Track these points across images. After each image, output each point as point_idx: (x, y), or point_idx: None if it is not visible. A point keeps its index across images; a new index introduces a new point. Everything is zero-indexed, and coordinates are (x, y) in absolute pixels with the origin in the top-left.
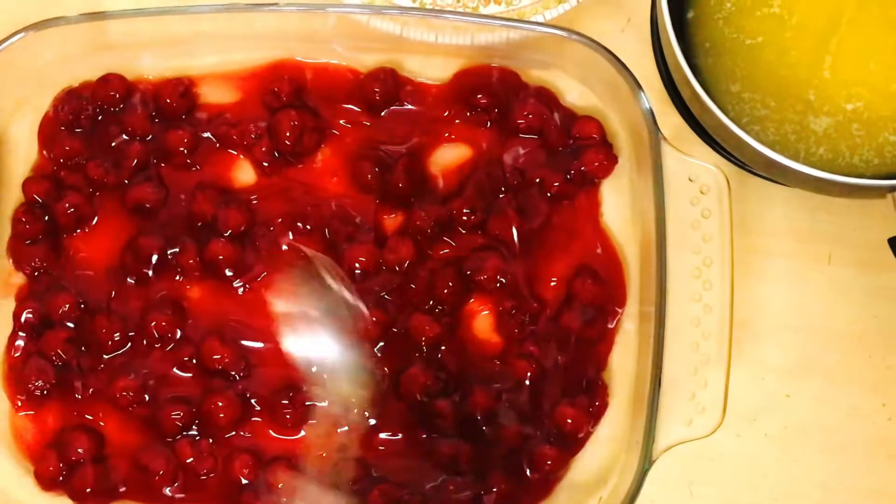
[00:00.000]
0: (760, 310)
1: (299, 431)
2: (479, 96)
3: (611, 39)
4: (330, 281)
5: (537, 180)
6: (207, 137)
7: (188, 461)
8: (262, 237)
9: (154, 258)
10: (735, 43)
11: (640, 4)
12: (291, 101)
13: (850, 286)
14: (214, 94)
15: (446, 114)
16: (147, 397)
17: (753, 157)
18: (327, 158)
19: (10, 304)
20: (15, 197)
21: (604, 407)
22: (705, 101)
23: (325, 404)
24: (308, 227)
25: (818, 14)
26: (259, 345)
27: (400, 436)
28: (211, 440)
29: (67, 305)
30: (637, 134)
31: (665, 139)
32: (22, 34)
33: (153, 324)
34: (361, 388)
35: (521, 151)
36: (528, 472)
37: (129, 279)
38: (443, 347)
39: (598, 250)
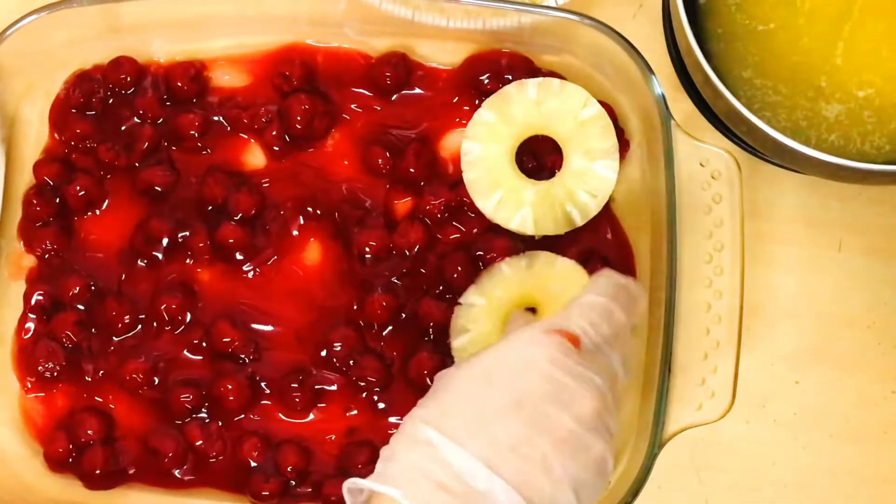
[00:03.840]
0: (770, 296)
1: (308, 415)
2: (489, 81)
3: (622, 25)
4: None
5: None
6: (218, 121)
7: (197, 444)
8: (273, 221)
9: (164, 241)
10: (747, 29)
11: None
12: (302, 85)
13: (860, 273)
14: (225, 78)
15: (457, 99)
16: (157, 380)
17: (765, 142)
18: (338, 142)
19: (21, 287)
20: (26, 179)
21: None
22: (717, 86)
23: (334, 388)
24: (318, 211)
25: (830, 1)
26: (269, 328)
27: None
28: (220, 423)
29: (78, 288)
30: (648, 119)
31: (677, 124)
32: (34, 16)
33: (163, 307)
34: None
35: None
36: None
37: (139, 262)
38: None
39: (609, 235)
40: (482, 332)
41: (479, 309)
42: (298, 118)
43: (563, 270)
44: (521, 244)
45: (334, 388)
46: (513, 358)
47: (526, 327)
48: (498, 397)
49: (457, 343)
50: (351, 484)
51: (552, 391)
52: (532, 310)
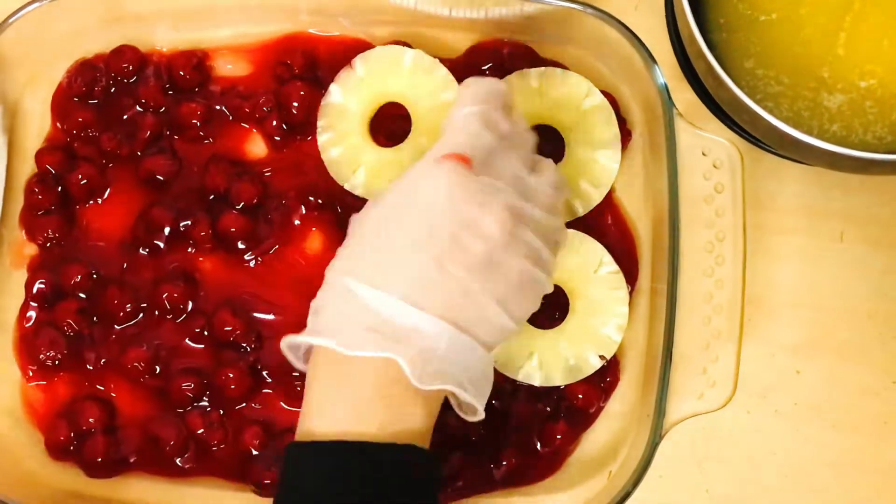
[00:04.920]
0: (772, 286)
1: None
2: (491, 71)
3: (625, 15)
4: None
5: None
6: (220, 110)
7: (199, 432)
8: (275, 210)
9: (166, 230)
10: (749, 19)
11: None
12: (304, 74)
13: (861, 264)
14: (227, 67)
15: None
16: (158, 368)
17: (767, 132)
18: None
19: (23, 275)
20: (28, 168)
21: (615, 382)
22: (719, 75)
23: None
24: (320, 200)
25: None
26: (270, 317)
27: None
28: (222, 412)
29: (80, 276)
30: (650, 109)
31: (679, 113)
32: (36, 4)
33: (165, 295)
34: None
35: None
36: (538, 447)
37: (141, 251)
38: None
39: (610, 224)
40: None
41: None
42: (296, 105)
43: (568, 242)
44: None
45: None
46: (413, 193)
47: (420, 161)
48: (406, 234)
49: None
50: (289, 340)
51: (456, 218)
52: (561, 292)
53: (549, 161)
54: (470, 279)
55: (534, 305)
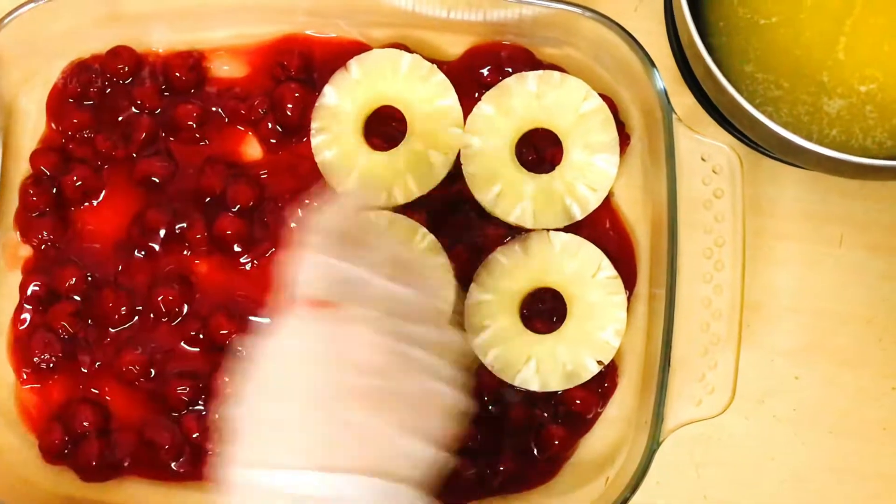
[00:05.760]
0: (770, 292)
1: None
2: (489, 74)
3: (624, 18)
4: None
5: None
6: (216, 112)
7: (194, 436)
8: (271, 213)
9: (162, 232)
10: (749, 23)
11: None
12: (300, 76)
13: (860, 269)
14: (224, 68)
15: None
16: (153, 372)
17: (766, 136)
18: None
19: (17, 277)
20: (23, 169)
21: (613, 388)
22: (718, 79)
23: None
24: (315, 203)
25: None
26: (266, 320)
27: None
28: (217, 415)
29: (74, 279)
30: (649, 113)
31: (678, 118)
32: (31, 5)
33: (160, 298)
34: None
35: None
36: (535, 452)
37: (136, 253)
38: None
39: (609, 229)
40: (502, 326)
41: (489, 304)
42: (290, 107)
43: (566, 247)
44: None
45: None
46: (281, 354)
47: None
48: (287, 401)
49: (478, 340)
50: None
51: (329, 360)
52: (559, 297)
53: (435, 263)
54: (361, 417)
55: (452, 424)
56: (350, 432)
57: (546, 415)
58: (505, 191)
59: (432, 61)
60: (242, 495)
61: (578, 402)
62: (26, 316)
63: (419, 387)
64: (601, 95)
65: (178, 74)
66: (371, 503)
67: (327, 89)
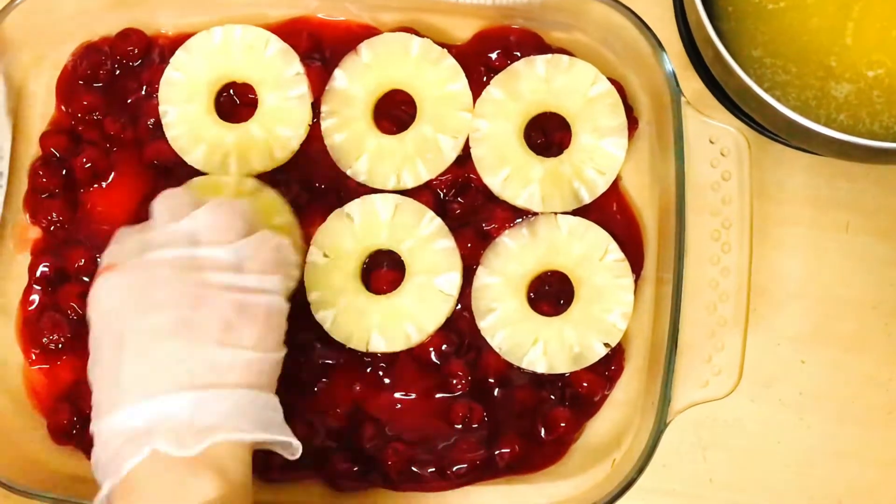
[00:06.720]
0: (777, 277)
1: (313, 389)
2: (498, 58)
3: (633, 2)
4: None
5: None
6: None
7: None
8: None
9: None
10: (757, 8)
11: None
12: (309, 58)
13: (867, 254)
14: None
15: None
16: None
17: (774, 120)
18: None
19: (26, 258)
20: (32, 151)
21: (619, 371)
22: (727, 62)
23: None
24: (323, 186)
25: None
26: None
27: (414, 395)
28: None
29: (83, 260)
30: (657, 96)
31: (687, 101)
32: None
33: None
34: None
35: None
36: (541, 434)
37: None
38: (458, 307)
39: (616, 212)
40: (509, 308)
41: (497, 287)
42: None
43: (573, 230)
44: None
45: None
46: (103, 312)
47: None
48: (106, 349)
49: (484, 324)
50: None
51: (137, 305)
52: (566, 280)
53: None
54: (177, 339)
55: (268, 328)
56: (165, 356)
57: (553, 397)
58: (513, 174)
59: (441, 45)
60: (97, 448)
61: (585, 384)
62: (35, 297)
63: (208, 313)
64: (609, 79)
65: None
66: (189, 409)
67: (337, 73)
